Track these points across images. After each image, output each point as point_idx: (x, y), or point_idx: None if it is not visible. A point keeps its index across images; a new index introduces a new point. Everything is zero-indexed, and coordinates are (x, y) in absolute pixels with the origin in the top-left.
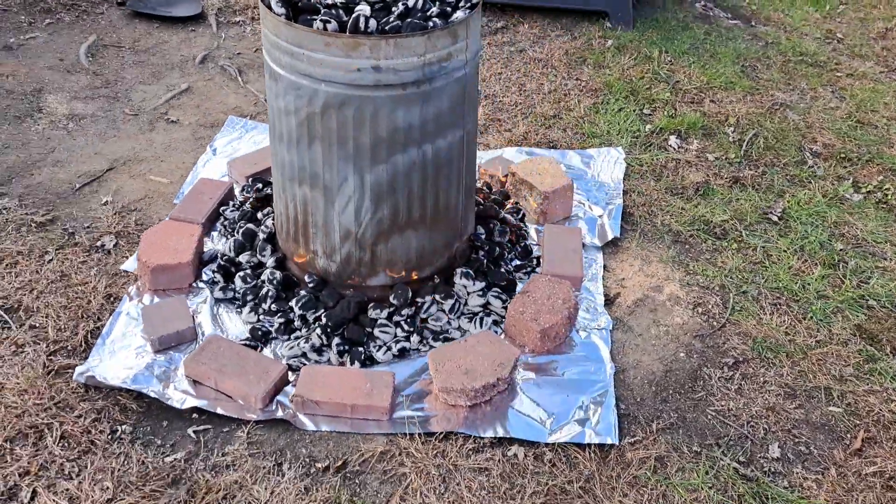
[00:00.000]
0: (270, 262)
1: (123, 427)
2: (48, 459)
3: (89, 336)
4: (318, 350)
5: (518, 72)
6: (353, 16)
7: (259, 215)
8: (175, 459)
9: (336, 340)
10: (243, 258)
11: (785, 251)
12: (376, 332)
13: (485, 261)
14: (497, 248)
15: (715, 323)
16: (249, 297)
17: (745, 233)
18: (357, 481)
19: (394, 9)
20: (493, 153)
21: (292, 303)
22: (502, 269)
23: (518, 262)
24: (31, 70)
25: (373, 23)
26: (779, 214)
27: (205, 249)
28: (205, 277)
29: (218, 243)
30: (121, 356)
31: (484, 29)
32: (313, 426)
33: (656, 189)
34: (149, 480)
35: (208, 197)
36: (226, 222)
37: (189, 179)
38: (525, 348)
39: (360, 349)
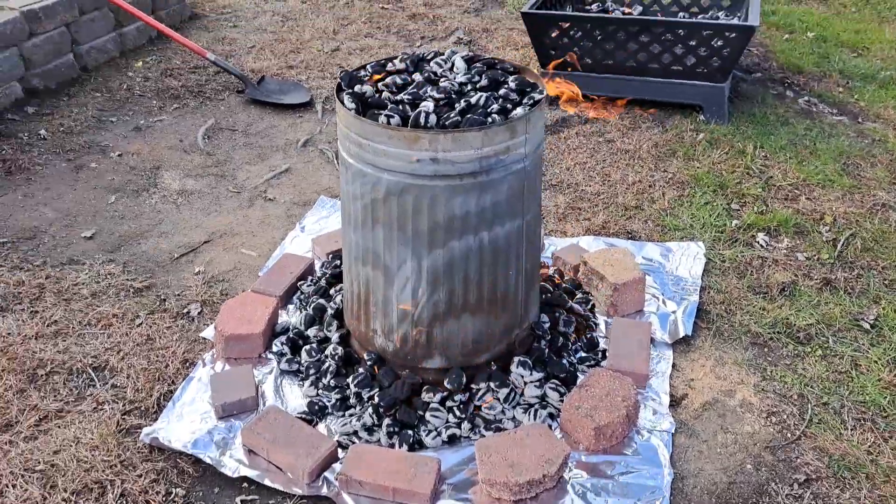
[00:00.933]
0: (335, 337)
1: (178, 490)
2: None
3: (162, 399)
4: (369, 429)
5: (603, 162)
6: (416, 112)
7: (332, 291)
8: None
9: (387, 421)
10: (311, 332)
11: (876, 362)
12: (428, 415)
13: (546, 350)
14: (561, 339)
15: (789, 435)
16: (312, 371)
17: (832, 339)
18: None
19: (457, 105)
20: (568, 241)
21: (349, 380)
22: (564, 361)
23: (583, 355)
24: (153, 149)
25: (433, 118)
26: (871, 322)
27: (280, 321)
28: (274, 349)
29: (292, 317)
30: (186, 420)
31: (573, 119)
32: None
33: (738, 287)
34: None
35: (290, 271)
36: (302, 296)
37: (276, 254)
38: (580, 445)
39: (410, 432)
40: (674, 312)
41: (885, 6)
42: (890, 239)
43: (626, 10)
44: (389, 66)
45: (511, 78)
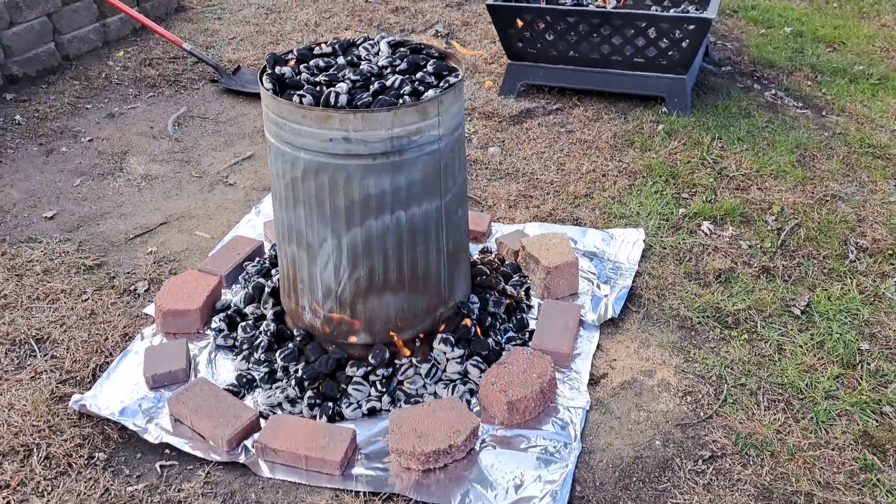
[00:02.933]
0: (270, 314)
1: (100, 454)
2: (28, 476)
3: (98, 370)
4: (292, 401)
5: (561, 151)
6: (326, 92)
7: (273, 271)
8: (136, 490)
9: (309, 393)
10: (249, 310)
11: (801, 346)
12: (350, 389)
13: (472, 329)
14: (489, 318)
15: (702, 413)
16: (245, 347)
17: (761, 324)
18: None
19: (371, 87)
20: (514, 227)
21: (276, 354)
22: (490, 340)
23: (511, 335)
24: (123, 135)
25: (343, 98)
26: (802, 308)
27: (223, 300)
28: (213, 325)
29: (235, 296)
30: (118, 390)
31: (538, 110)
32: (269, 473)
33: (674, 273)
34: None
35: (237, 252)
36: (246, 276)
37: (229, 236)
38: (495, 420)
39: (331, 404)
40: (606, 296)
41: (867, 1)
42: (834, 229)
43: (601, 3)
44: (317, 50)
45: (431, 62)
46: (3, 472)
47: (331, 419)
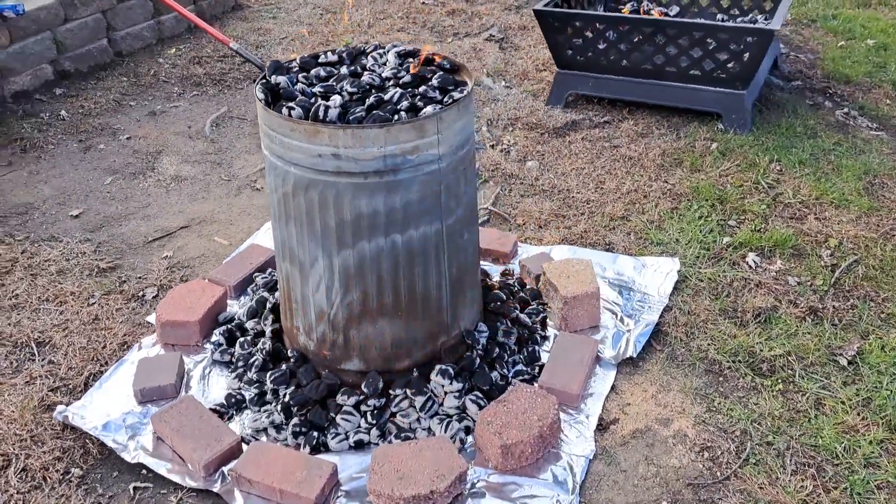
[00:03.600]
0: (268, 331)
1: (76, 470)
2: (2, 488)
3: (91, 378)
4: (278, 427)
5: (602, 168)
6: (315, 105)
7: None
8: None
9: (294, 420)
10: (250, 324)
11: (843, 402)
12: (339, 418)
13: (477, 361)
14: (497, 349)
15: (718, 473)
16: (240, 364)
17: (800, 374)
18: None
19: (368, 100)
20: (539, 249)
21: (267, 375)
22: (495, 373)
23: (520, 368)
24: (160, 134)
25: (333, 112)
26: (850, 358)
27: (228, 312)
28: (213, 338)
29: (241, 308)
30: (105, 402)
31: (584, 123)
32: None
33: (708, 309)
34: None
35: (249, 262)
36: (254, 287)
37: (246, 244)
38: (489, 463)
39: (316, 434)
40: (629, 331)
41: None
42: None
43: (661, 12)
44: (322, 58)
45: (437, 76)
46: None
47: (315, 450)
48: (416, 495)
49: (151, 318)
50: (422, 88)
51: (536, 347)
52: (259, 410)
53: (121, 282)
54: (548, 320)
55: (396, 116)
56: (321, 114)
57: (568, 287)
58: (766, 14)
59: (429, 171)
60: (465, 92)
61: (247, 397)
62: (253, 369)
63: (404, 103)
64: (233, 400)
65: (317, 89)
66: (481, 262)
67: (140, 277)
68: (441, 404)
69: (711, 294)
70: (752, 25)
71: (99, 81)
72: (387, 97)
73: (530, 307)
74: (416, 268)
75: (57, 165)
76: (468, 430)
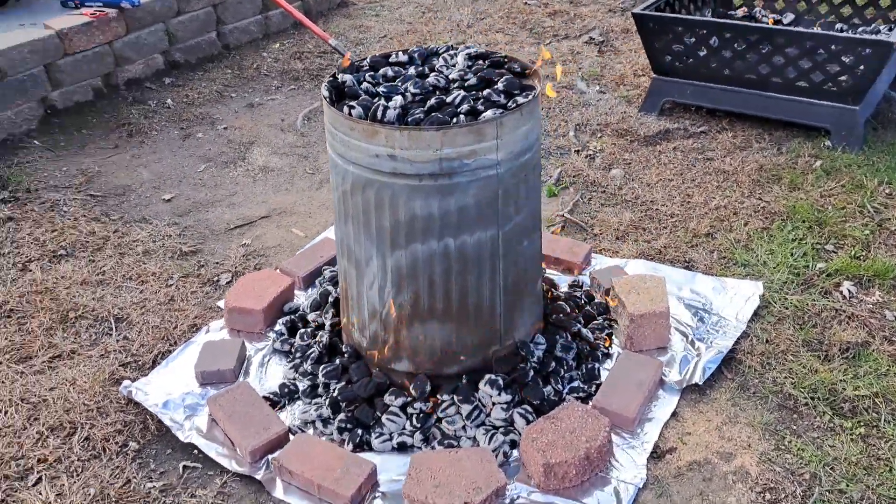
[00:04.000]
0: (328, 325)
1: (133, 444)
2: (65, 454)
3: (160, 357)
4: (325, 421)
5: (692, 181)
6: (374, 105)
7: None
8: (153, 486)
9: (341, 416)
10: (312, 317)
11: None
12: (384, 418)
13: (530, 374)
14: (553, 364)
15: None
16: (298, 355)
17: (885, 417)
18: None
19: (429, 102)
20: (614, 262)
21: (320, 368)
22: (549, 388)
23: (577, 385)
24: (255, 125)
25: (391, 113)
26: None
27: (294, 302)
28: (276, 327)
29: (307, 300)
30: (169, 381)
31: (679, 132)
32: (282, 495)
33: (790, 339)
34: (123, 498)
35: (320, 255)
36: (321, 280)
37: (321, 236)
38: (531, 480)
39: (360, 431)
40: (698, 356)
41: None
42: None
43: (775, 19)
44: (392, 58)
45: (504, 79)
46: (46, 446)
47: (358, 447)
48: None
49: (222, 303)
50: (486, 92)
51: (597, 365)
52: (310, 402)
53: (199, 266)
54: (613, 337)
55: (455, 120)
56: (379, 114)
57: (636, 304)
58: (891, 24)
59: (486, 176)
60: (530, 97)
61: (300, 388)
62: (308, 361)
63: (465, 106)
64: (286, 390)
65: (381, 89)
66: (550, 271)
67: (217, 263)
68: (488, 415)
69: (796, 323)
70: (868, 36)
71: (205, 73)
72: (448, 99)
73: (595, 322)
74: (468, 274)
75: (157, 151)
76: (514, 444)
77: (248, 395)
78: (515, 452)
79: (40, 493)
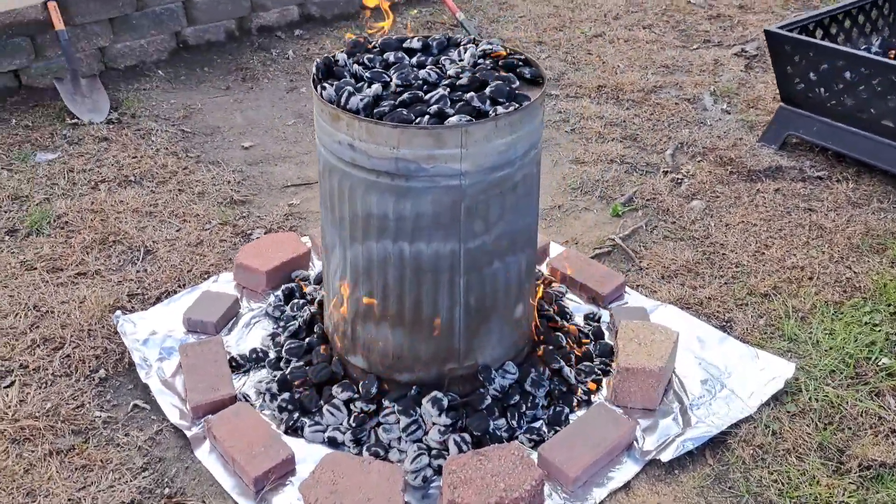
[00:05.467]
0: (318, 301)
1: (102, 371)
2: (44, 366)
3: (164, 295)
4: (273, 396)
5: (778, 232)
6: (342, 89)
7: None
8: (99, 416)
9: (286, 396)
10: (310, 289)
11: None
12: (325, 408)
13: (487, 401)
14: (517, 398)
15: None
16: (281, 324)
17: None
18: None
19: (403, 96)
20: (643, 302)
21: (283, 341)
22: (503, 422)
23: (537, 426)
24: None
25: (354, 100)
26: None
27: (307, 272)
28: (277, 292)
29: (314, 272)
30: (161, 319)
31: (791, 172)
32: (204, 456)
33: (803, 438)
34: (69, 419)
35: None
36: None
37: None
38: None
39: (298, 415)
40: (683, 429)
41: None
42: None
43: None
44: (407, 43)
45: (494, 84)
46: (33, 354)
47: (291, 430)
48: None
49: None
50: (469, 95)
51: (566, 410)
52: (271, 374)
53: (241, 216)
54: (603, 385)
55: (418, 120)
56: (343, 100)
57: (630, 355)
58: None
59: (447, 186)
60: (512, 109)
61: (268, 357)
62: (286, 333)
63: (435, 107)
64: (255, 356)
65: (367, 74)
66: (571, 297)
67: (259, 217)
68: (427, 433)
69: (821, 421)
70: None
71: (334, 30)
72: (426, 97)
73: (587, 363)
74: (423, 284)
75: (260, 99)
76: (439, 470)
77: (215, 352)
78: (438, 481)
79: (6, 396)
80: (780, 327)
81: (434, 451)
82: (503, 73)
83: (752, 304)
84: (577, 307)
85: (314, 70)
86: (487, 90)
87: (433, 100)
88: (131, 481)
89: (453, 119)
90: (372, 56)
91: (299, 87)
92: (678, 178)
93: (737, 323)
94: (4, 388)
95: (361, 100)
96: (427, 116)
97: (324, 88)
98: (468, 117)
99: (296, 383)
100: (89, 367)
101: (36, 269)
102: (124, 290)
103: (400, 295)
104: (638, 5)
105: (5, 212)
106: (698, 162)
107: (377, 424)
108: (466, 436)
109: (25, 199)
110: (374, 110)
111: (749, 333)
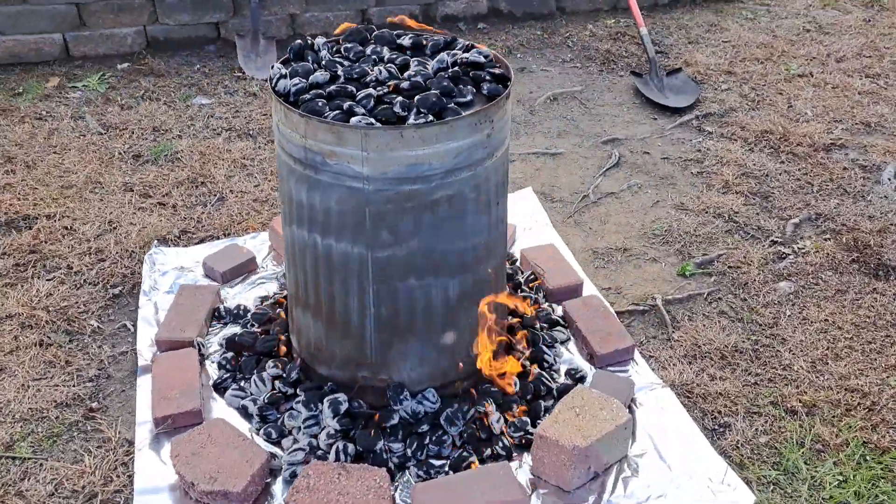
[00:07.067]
0: None
1: (112, 291)
2: (70, 273)
3: (208, 239)
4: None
5: (864, 344)
6: (280, 72)
7: None
8: (88, 324)
9: (228, 354)
10: None
11: None
12: (253, 378)
13: (393, 420)
14: (425, 427)
15: None
16: (283, 290)
17: None
18: None
19: (331, 88)
20: (647, 377)
21: (270, 300)
22: (398, 446)
23: (441, 464)
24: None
25: (284, 83)
26: None
27: None
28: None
29: None
30: (190, 259)
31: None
32: (140, 383)
33: None
34: (59, 321)
35: None
36: None
37: None
38: None
39: (226, 375)
40: None
41: None
42: None
43: None
44: (400, 40)
45: (441, 87)
46: (81, 260)
47: (218, 388)
48: (189, 481)
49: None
50: (399, 98)
51: (473, 457)
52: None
53: None
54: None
55: (329, 112)
56: (274, 81)
57: (555, 423)
58: None
59: (350, 187)
60: (419, 121)
61: (250, 311)
62: (272, 299)
63: (347, 104)
64: (237, 312)
65: (324, 62)
66: (567, 349)
67: None
68: (323, 429)
69: None
70: None
71: (518, 28)
72: (359, 92)
73: (528, 419)
74: (334, 282)
75: None
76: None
77: (204, 298)
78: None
79: (41, 287)
80: (782, 452)
81: (320, 452)
82: (449, 86)
83: (768, 416)
84: (570, 359)
85: (287, 51)
86: (415, 98)
87: (360, 95)
88: (73, 387)
89: (355, 119)
90: (350, 46)
91: None
92: (783, 253)
93: (732, 432)
94: (46, 279)
95: (294, 85)
96: (338, 112)
97: (272, 66)
98: (370, 119)
99: (240, 346)
100: (111, 282)
101: (132, 191)
102: (181, 227)
103: (317, 286)
104: (876, 50)
105: (143, 139)
106: (824, 240)
107: (290, 408)
108: (351, 447)
109: (164, 133)
110: (301, 97)
111: (737, 448)
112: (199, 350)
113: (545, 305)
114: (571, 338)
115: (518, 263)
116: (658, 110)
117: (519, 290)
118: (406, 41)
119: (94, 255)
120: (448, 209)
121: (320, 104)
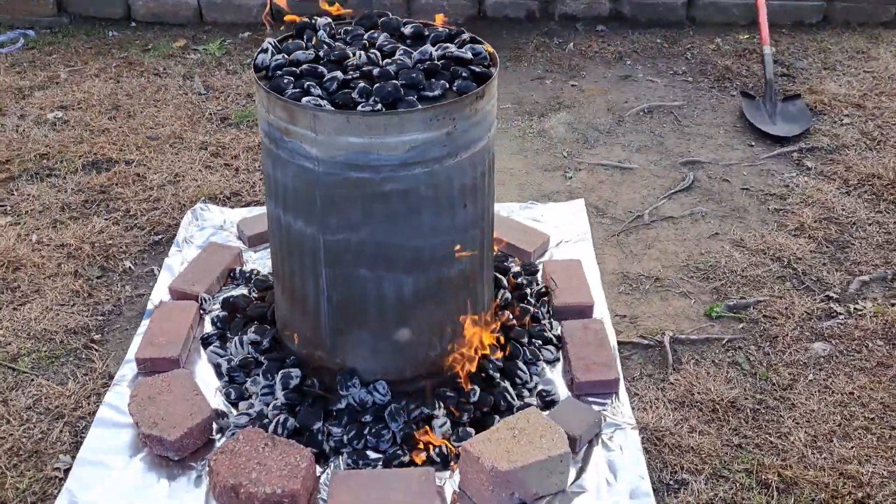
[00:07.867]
0: None
1: (154, 237)
2: (119, 217)
3: (255, 203)
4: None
5: (883, 427)
6: (266, 48)
7: None
8: (115, 247)
9: (221, 314)
10: None
11: None
12: (234, 339)
13: (339, 406)
14: (368, 417)
15: None
16: None
17: None
18: None
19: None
20: (623, 416)
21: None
22: (339, 430)
23: (375, 457)
24: (592, 95)
25: (263, 57)
26: None
27: None
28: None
29: None
30: (231, 220)
31: None
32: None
33: None
34: (88, 246)
35: None
36: None
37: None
38: None
39: (214, 340)
40: None
41: None
42: None
43: None
44: (403, 28)
45: (411, 72)
46: (139, 206)
47: (203, 342)
48: (135, 421)
49: None
50: (361, 84)
51: (406, 457)
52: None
53: None
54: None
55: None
56: (259, 57)
57: (484, 441)
58: None
59: (302, 167)
60: (366, 109)
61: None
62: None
63: (317, 90)
64: (248, 275)
65: (312, 43)
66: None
67: None
68: (275, 398)
69: None
70: None
71: (641, 35)
72: (329, 74)
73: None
74: (293, 260)
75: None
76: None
77: (223, 258)
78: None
79: (98, 224)
80: None
81: (266, 421)
82: (418, 77)
83: (734, 483)
84: (550, 380)
85: (294, 26)
86: (375, 86)
87: (325, 78)
88: (86, 317)
89: (306, 99)
90: (351, 29)
91: (544, 79)
92: (833, 311)
93: (686, 491)
94: (104, 218)
95: (276, 61)
96: (297, 91)
97: (269, 43)
98: (320, 101)
99: (229, 314)
100: (156, 230)
101: (207, 149)
102: (235, 188)
103: (282, 262)
104: None
105: (235, 103)
106: (890, 305)
107: (256, 375)
108: (292, 421)
109: (255, 100)
110: (276, 73)
111: None
112: (201, 305)
113: (545, 322)
114: (561, 359)
115: (538, 275)
116: (759, 137)
117: (523, 302)
118: (408, 30)
119: (151, 202)
120: (401, 204)
121: (285, 81)
